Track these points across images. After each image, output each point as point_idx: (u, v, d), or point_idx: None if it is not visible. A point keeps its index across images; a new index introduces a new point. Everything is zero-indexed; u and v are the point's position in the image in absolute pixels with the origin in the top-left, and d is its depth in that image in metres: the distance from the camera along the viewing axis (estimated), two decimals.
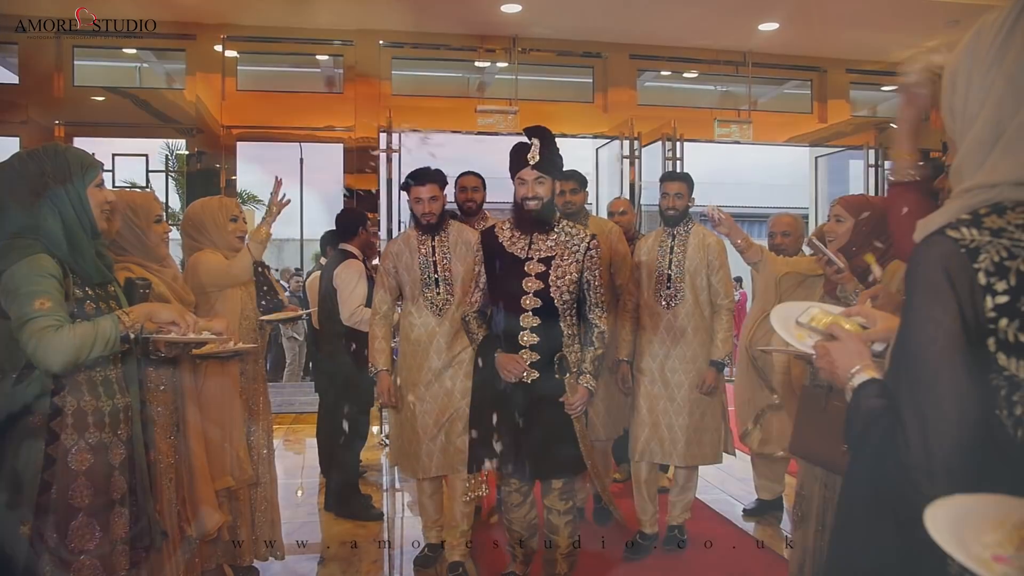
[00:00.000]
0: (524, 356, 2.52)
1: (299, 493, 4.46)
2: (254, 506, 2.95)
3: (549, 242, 2.56)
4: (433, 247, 3.09)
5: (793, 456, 2.66)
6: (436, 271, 3.08)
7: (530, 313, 2.52)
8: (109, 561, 1.82)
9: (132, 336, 1.82)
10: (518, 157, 2.51)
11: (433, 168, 3.07)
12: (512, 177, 2.56)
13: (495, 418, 2.60)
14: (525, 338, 2.52)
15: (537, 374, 2.52)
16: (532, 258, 2.54)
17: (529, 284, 2.52)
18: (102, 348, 1.75)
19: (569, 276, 2.53)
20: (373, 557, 3.47)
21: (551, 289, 2.51)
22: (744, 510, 4.02)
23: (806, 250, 3.66)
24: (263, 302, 3.14)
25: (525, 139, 2.52)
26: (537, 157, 2.47)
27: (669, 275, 3.36)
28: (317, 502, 4.22)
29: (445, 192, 3.12)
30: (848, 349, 1.16)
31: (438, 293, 3.07)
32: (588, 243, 2.56)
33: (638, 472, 3.47)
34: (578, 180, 3.61)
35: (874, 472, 0.99)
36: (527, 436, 2.55)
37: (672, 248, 3.39)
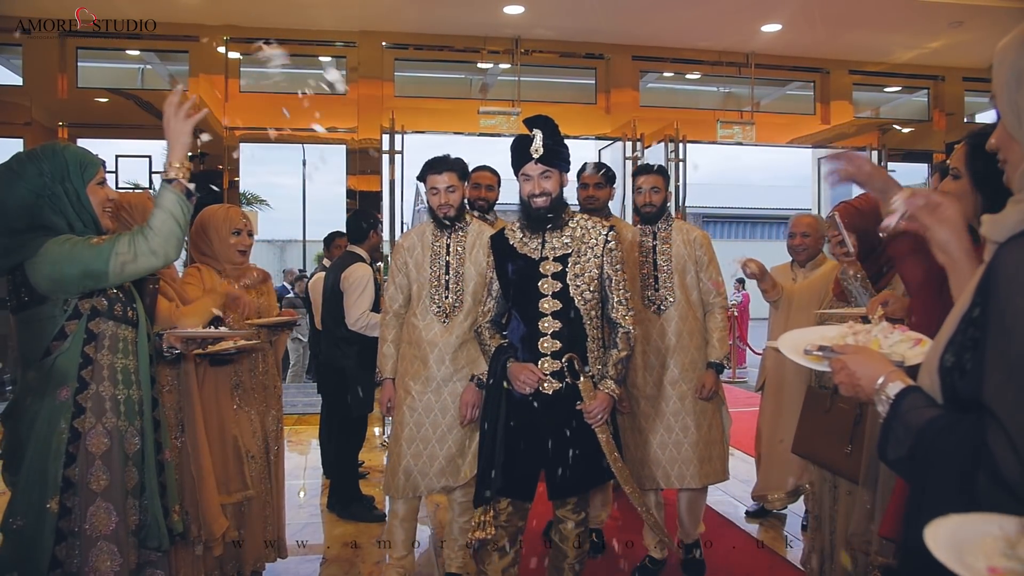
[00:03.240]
0: (545, 365, 2.31)
1: (301, 494, 4.46)
2: (268, 511, 2.89)
3: (564, 239, 2.37)
4: (448, 245, 2.80)
5: (796, 455, 2.67)
6: (447, 272, 2.78)
7: (549, 317, 2.31)
8: (124, 549, 1.84)
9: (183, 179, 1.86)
10: (520, 151, 2.32)
11: (453, 157, 2.80)
12: (516, 173, 2.37)
13: (509, 438, 2.35)
14: (545, 344, 2.31)
15: (559, 384, 2.31)
16: (547, 257, 2.35)
17: (546, 286, 2.33)
18: (181, 208, 1.81)
19: (588, 273, 2.34)
20: (375, 558, 3.47)
21: (570, 289, 2.32)
22: (747, 512, 4.01)
23: (826, 251, 3.60)
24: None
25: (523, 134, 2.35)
26: (541, 150, 2.28)
27: (656, 276, 3.04)
28: (320, 503, 4.22)
29: (466, 185, 2.86)
30: (868, 359, 1.13)
31: (446, 297, 2.77)
32: (606, 235, 2.37)
33: (647, 499, 3.04)
34: (606, 175, 3.28)
35: (956, 485, 0.91)
36: (547, 455, 2.32)
37: (655, 247, 3.06)
